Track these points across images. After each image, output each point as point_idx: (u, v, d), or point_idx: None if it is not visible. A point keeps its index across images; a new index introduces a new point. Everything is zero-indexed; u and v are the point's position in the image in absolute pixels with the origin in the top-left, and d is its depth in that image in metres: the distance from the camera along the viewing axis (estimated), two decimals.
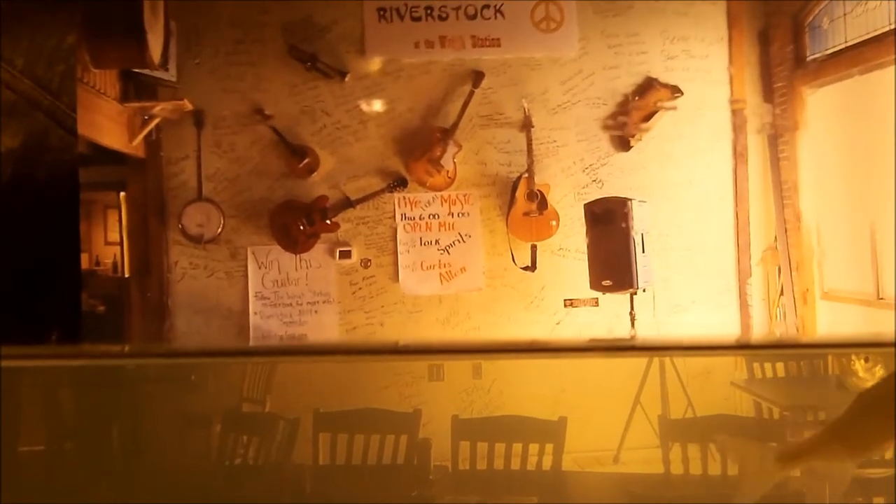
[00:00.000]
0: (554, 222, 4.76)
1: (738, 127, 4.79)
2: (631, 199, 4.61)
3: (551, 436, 3.49)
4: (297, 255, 4.82)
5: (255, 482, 3.57)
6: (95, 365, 4.55)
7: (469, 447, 3.56)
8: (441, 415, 3.60)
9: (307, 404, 3.58)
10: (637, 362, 4.59)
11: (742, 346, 2.35)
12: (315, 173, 4.80)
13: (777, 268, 4.74)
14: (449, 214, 4.82)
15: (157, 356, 2.60)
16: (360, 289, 4.83)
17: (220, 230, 4.80)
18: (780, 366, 3.78)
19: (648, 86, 4.79)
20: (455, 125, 4.78)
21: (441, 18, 4.78)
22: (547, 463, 3.50)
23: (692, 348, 2.45)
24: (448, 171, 4.79)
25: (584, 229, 4.69)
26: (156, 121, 4.75)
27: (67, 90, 4.63)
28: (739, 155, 4.79)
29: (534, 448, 3.54)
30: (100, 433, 3.46)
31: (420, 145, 4.80)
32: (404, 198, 4.83)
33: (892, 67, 4.47)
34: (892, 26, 4.39)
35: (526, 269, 4.78)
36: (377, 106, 4.84)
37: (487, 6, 4.77)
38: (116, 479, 3.45)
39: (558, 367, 4.46)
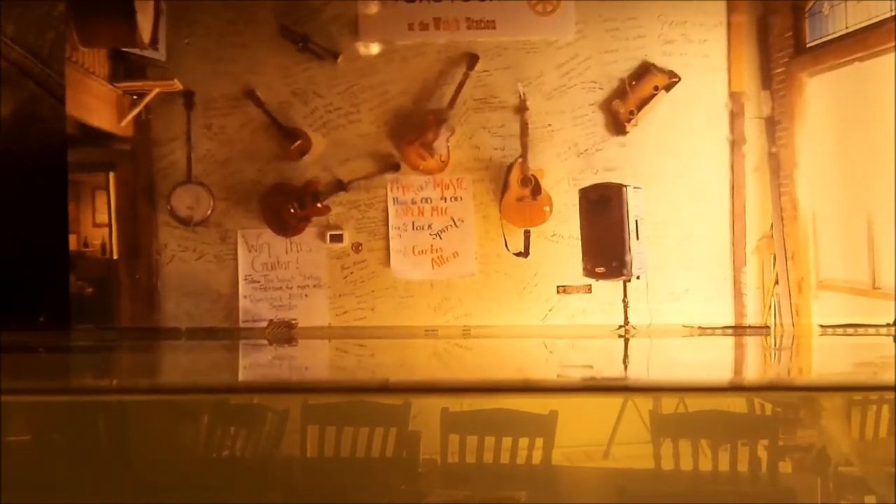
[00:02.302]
0: (547, 208, 4.71)
1: (736, 113, 4.72)
2: (626, 186, 4.56)
3: (541, 430, 3.47)
4: (288, 239, 4.77)
5: (242, 474, 3.55)
6: (82, 348, 4.52)
7: (458, 440, 3.54)
8: (430, 407, 3.56)
9: (296, 396, 3.55)
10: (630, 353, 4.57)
11: (736, 388, 2.33)
12: (306, 156, 4.74)
13: (772, 256, 4.69)
14: (442, 199, 4.77)
15: (145, 392, 2.58)
16: (351, 273, 4.78)
17: (209, 212, 4.76)
18: None
19: (645, 70, 4.73)
20: (449, 108, 4.72)
21: (436, 0, 4.71)
22: (537, 457, 3.47)
23: (686, 389, 2.42)
24: (441, 155, 4.73)
25: (577, 215, 4.65)
26: (145, 101, 4.69)
27: (58, 58, 4.59)
28: (736, 142, 4.72)
29: (524, 442, 3.51)
30: (83, 423, 3.41)
31: (413, 128, 4.74)
32: (396, 181, 4.78)
33: (893, 55, 4.42)
34: (894, 13, 4.34)
35: (519, 255, 4.73)
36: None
37: None
38: (101, 470, 3.42)
39: (548, 360, 4.44)
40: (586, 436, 3.60)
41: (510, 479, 3.51)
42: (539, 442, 3.47)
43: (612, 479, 3.56)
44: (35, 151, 4.64)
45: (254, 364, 4.05)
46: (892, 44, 4.41)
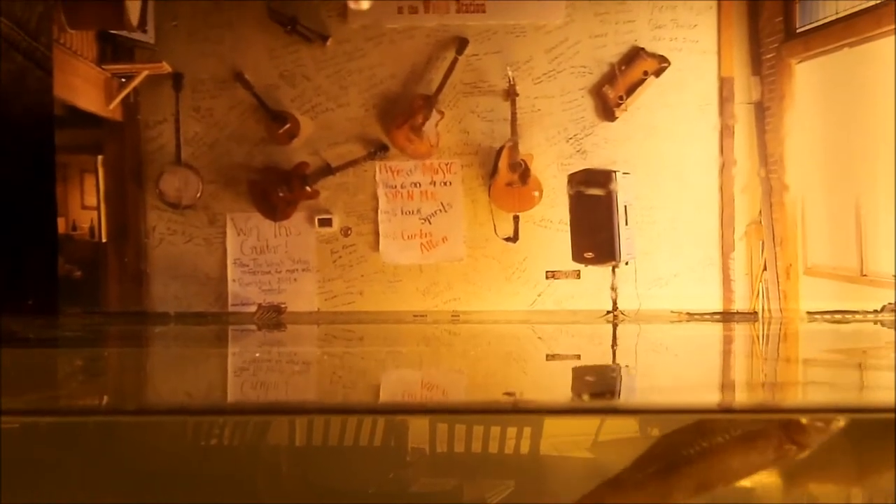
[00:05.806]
0: (537, 193, 4.71)
1: (725, 98, 4.72)
2: (615, 171, 4.56)
3: (530, 419, 3.47)
4: (277, 223, 4.77)
5: (229, 462, 3.55)
6: (73, 334, 4.51)
7: (447, 429, 3.54)
8: None
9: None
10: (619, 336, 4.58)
11: (725, 410, 2.33)
12: (295, 139, 4.73)
13: (761, 242, 4.70)
14: (431, 183, 4.76)
15: (133, 413, 2.57)
16: (340, 257, 4.78)
17: (198, 195, 4.75)
18: None
19: (635, 55, 4.72)
20: (438, 92, 4.71)
21: None
22: (525, 447, 3.48)
23: (675, 411, 2.42)
24: (430, 139, 4.72)
25: (567, 200, 4.65)
26: (133, 84, 4.67)
27: (45, 31, 4.56)
28: (726, 127, 4.72)
29: (512, 431, 3.52)
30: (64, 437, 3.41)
31: (402, 112, 4.73)
32: (385, 165, 4.77)
33: (884, 41, 4.41)
34: None
35: (508, 239, 4.74)
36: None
37: None
38: (87, 455, 3.42)
39: (536, 347, 4.44)
40: (576, 426, 3.61)
41: (498, 468, 3.52)
42: (527, 431, 3.48)
43: (601, 469, 3.57)
44: (23, 125, 4.61)
45: (242, 372, 4.02)
46: (884, 29, 4.40)
